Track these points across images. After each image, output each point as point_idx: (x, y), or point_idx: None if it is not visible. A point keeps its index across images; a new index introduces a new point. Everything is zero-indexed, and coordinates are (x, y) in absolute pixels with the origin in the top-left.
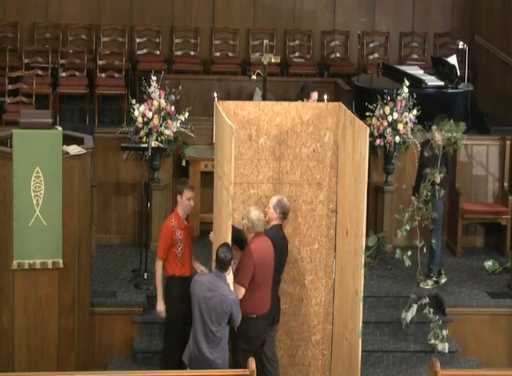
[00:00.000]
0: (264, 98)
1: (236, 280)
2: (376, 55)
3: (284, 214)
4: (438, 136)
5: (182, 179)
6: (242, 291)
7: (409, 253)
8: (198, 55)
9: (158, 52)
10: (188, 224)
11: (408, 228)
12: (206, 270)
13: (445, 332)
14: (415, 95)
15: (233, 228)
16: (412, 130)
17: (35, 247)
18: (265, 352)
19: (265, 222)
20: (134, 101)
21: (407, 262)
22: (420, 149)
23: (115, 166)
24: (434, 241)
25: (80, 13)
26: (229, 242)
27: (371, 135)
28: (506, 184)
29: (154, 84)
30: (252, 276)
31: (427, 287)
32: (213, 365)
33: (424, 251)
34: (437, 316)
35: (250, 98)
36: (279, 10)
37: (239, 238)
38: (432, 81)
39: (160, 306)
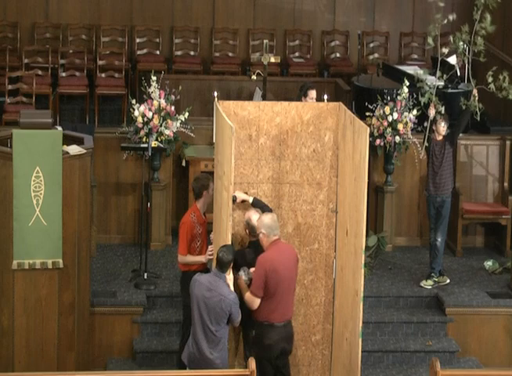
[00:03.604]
0: (264, 98)
1: (250, 290)
2: (376, 55)
3: (254, 231)
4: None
5: (200, 175)
6: (256, 302)
7: None
8: (198, 55)
9: (158, 52)
10: (205, 219)
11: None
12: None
13: None
14: (415, 96)
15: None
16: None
17: (35, 247)
18: (282, 371)
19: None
20: (134, 101)
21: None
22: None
23: (115, 166)
24: (439, 239)
25: (80, 13)
26: (229, 242)
27: (371, 135)
28: (506, 184)
29: (154, 84)
30: (264, 284)
31: (427, 287)
32: (212, 365)
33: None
34: None
35: (250, 98)
36: (279, 10)
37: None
38: (432, 81)
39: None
